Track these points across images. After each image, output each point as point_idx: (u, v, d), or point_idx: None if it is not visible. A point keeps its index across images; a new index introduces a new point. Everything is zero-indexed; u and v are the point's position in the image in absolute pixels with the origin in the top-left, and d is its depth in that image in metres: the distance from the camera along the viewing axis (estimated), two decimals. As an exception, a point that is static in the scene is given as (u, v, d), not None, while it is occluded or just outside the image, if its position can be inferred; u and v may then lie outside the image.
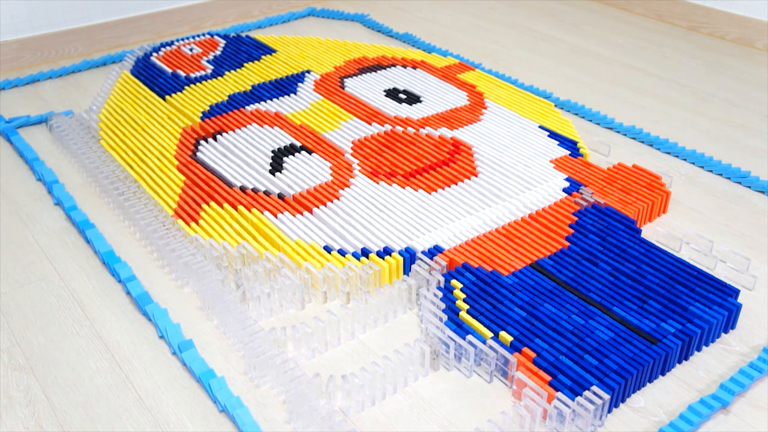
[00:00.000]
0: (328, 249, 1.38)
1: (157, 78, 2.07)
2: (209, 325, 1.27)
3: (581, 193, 1.53)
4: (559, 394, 1.07)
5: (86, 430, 1.08)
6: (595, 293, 1.27)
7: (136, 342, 1.24)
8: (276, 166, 1.64)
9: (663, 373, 1.17)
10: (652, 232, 1.49)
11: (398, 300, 1.28)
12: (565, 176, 1.60)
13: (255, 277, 1.32)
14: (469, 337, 1.18)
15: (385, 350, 1.21)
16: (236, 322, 1.24)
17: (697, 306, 1.23)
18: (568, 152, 1.70)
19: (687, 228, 1.51)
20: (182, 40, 2.32)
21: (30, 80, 2.13)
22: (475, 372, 1.17)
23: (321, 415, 1.07)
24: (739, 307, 1.24)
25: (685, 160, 1.74)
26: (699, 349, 1.22)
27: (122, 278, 1.33)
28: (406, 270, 1.36)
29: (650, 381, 1.16)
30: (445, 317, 1.22)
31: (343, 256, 1.37)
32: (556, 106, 1.99)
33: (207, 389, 1.12)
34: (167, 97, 1.96)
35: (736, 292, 1.26)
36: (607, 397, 1.06)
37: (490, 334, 1.18)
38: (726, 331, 1.25)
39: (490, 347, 1.16)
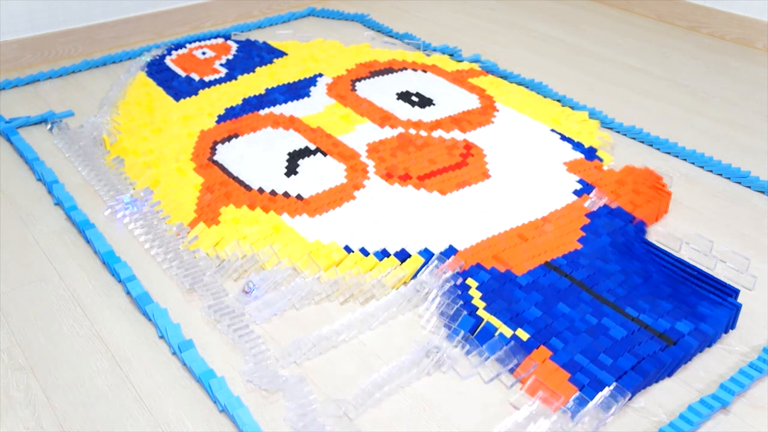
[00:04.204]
0: (348, 249, 1.39)
1: (171, 81, 2.07)
2: (209, 325, 1.27)
3: (593, 195, 1.54)
4: (577, 392, 1.08)
5: (86, 430, 1.08)
6: (608, 293, 1.27)
7: (136, 342, 1.23)
8: (291, 168, 1.65)
9: (670, 374, 1.17)
10: (652, 232, 1.49)
11: (400, 300, 1.28)
12: (577, 178, 1.61)
13: (262, 279, 1.32)
14: (485, 333, 1.19)
15: (385, 350, 1.21)
16: (237, 322, 1.24)
17: (706, 306, 1.24)
18: (580, 154, 1.70)
19: (687, 228, 1.50)
20: (191, 42, 2.32)
21: (30, 80, 2.13)
22: (478, 372, 1.17)
23: (321, 415, 1.07)
24: (738, 307, 1.24)
25: (685, 160, 1.74)
26: (701, 349, 1.22)
27: (122, 278, 1.33)
28: (420, 270, 1.36)
29: (656, 381, 1.16)
30: (464, 313, 1.23)
31: (366, 256, 1.38)
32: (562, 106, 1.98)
33: (207, 389, 1.12)
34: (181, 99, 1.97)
35: (736, 292, 1.27)
36: (628, 394, 1.07)
37: (509, 332, 1.19)
38: (726, 331, 1.25)
39: (508, 345, 1.17)
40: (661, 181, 1.58)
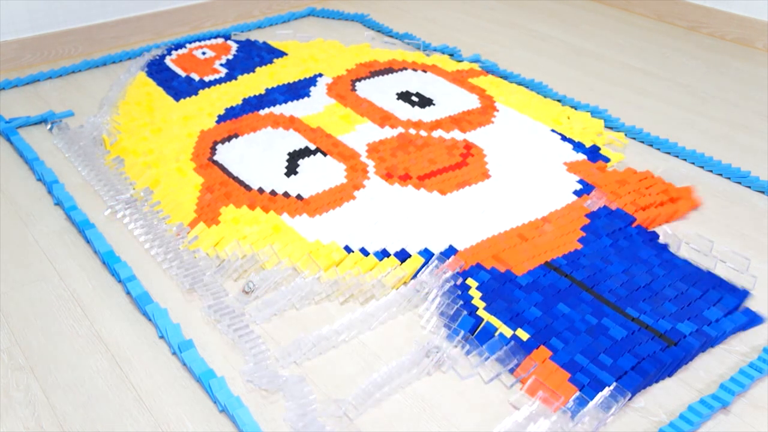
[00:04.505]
0: (348, 249, 1.39)
1: (171, 81, 2.07)
2: (209, 325, 1.26)
3: (593, 196, 1.54)
4: (577, 392, 1.08)
5: (86, 430, 1.08)
6: (609, 293, 1.27)
7: (136, 342, 1.23)
8: (291, 168, 1.65)
9: (670, 374, 1.17)
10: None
11: (400, 300, 1.28)
12: (578, 178, 1.61)
13: (262, 279, 1.32)
14: (484, 333, 1.19)
15: (385, 350, 1.21)
16: (237, 322, 1.24)
17: (713, 311, 1.24)
18: (581, 154, 1.70)
19: (687, 228, 1.50)
20: (191, 42, 2.32)
21: (30, 80, 2.13)
22: (478, 372, 1.17)
23: (321, 415, 1.07)
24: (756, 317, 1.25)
25: (685, 160, 1.74)
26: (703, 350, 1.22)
27: (122, 278, 1.33)
28: (420, 270, 1.36)
29: (656, 381, 1.16)
30: (464, 312, 1.23)
31: (366, 256, 1.38)
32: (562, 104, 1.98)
33: (207, 389, 1.12)
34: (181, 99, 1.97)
35: (745, 294, 1.28)
36: (628, 394, 1.07)
37: (509, 332, 1.19)
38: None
39: (508, 345, 1.17)
40: (671, 186, 1.57)
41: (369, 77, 2.08)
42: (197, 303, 1.31)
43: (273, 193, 1.57)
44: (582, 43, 2.40)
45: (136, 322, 1.28)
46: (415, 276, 1.34)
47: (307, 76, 2.08)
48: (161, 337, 1.24)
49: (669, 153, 1.77)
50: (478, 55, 2.23)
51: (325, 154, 1.71)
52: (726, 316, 1.24)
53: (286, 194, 1.56)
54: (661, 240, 1.45)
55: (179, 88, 2.03)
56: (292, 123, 1.84)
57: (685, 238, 1.46)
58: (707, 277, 1.32)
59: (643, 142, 1.82)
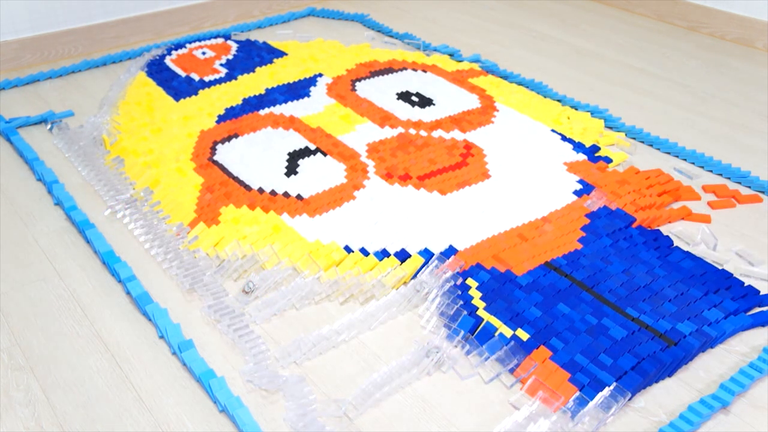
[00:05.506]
0: (348, 249, 1.39)
1: (171, 81, 2.07)
2: (209, 325, 1.26)
3: (593, 196, 1.54)
4: (577, 392, 1.08)
5: (86, 430, 1.08)
6: (609, 293, 1.27)
7: (136, 342, 1.23)
8: (291, 168, 1.65)
9: (670, 374, 1.17)
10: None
11: (400, 300, 1.28)
12: (578, 178, 1.61)
13: (262, 279, 1.32)
14: (484, 333, 1.19)
15: (385, 350, 1.21)
16: (237, 322, 1.24)
17: (713, 310, 1.24)
18: (581, 155, 1.70)
19: (686, 228, 1.50)
20: (191, 42, 2.32)
21: (30, 80, 2.13)
22: (478, 372, 1.17)
23: (321, 415, 1.07)
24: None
25: (685, 160, 1.74)
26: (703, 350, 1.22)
27: (122, 278, 1.33)
28: (420, 270, 1.36)
29: (656, 381, 1.16)
30: (464, 312, 1.23)
31: (366, 256, 1.38)
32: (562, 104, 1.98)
33: (207, 389, 1.12)
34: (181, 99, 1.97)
35: (756, 292, 1.28)
36: (628, 394, 1.07)
37: (509, 332, 1.19)
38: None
39: (508, 345, 1.17)
40: (677, 183, 1.57)
41: (369, 77, 2.08)
42: (197, 303, 1.31)
43: (273, 193, 1.57)
44: (582, 43, 2.40)
45: (136, 322, 1.28)
46: (415, 276, 1.34)
47: (307, 76, 2.08)
48: (161, 337, 1.24)
49: (669, 153, 1.77)
50: (478, 55, 2.23)
51: (325, 154, 1.71)
52: (733, 316, 1.24)
53: (286, 194, 1.56)
54: (676, 241, 1.45)
55: (179, 88, 2.03)
56: (292, 123, 1.84)
57: (686, 239, 1.45)
58: (722, 275, 1.32)
59: (643, 142, 1.82)
